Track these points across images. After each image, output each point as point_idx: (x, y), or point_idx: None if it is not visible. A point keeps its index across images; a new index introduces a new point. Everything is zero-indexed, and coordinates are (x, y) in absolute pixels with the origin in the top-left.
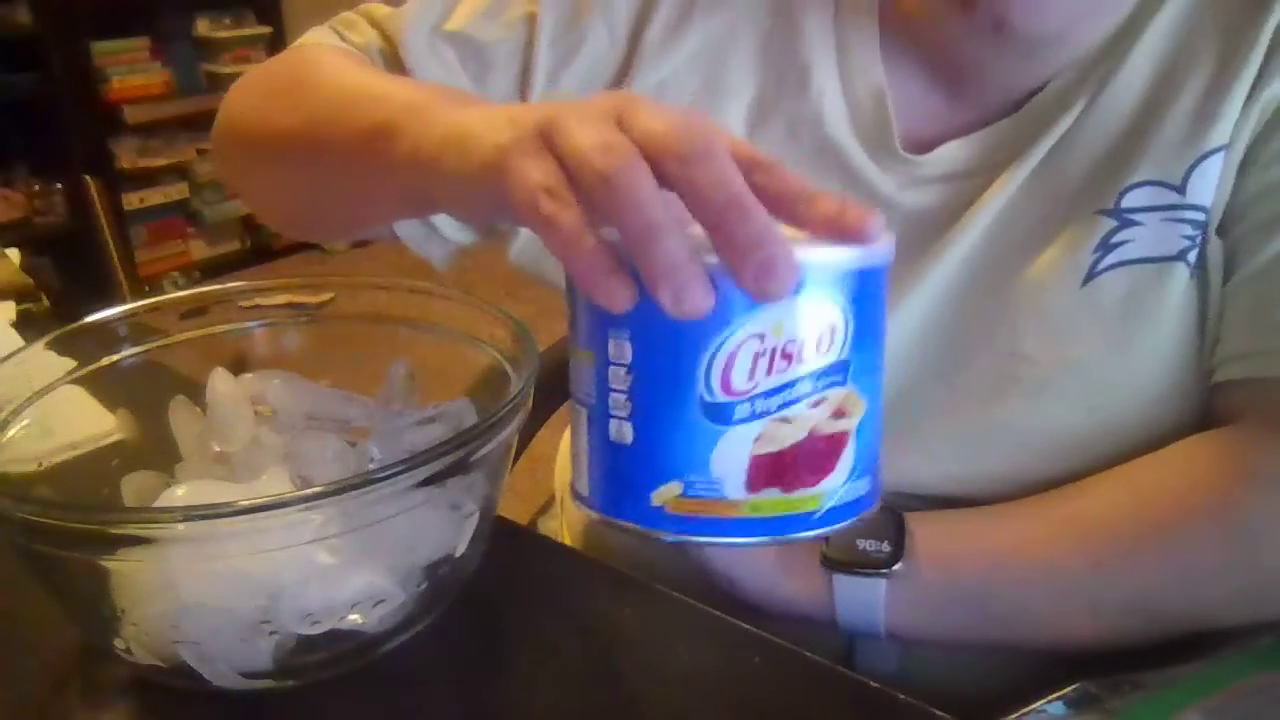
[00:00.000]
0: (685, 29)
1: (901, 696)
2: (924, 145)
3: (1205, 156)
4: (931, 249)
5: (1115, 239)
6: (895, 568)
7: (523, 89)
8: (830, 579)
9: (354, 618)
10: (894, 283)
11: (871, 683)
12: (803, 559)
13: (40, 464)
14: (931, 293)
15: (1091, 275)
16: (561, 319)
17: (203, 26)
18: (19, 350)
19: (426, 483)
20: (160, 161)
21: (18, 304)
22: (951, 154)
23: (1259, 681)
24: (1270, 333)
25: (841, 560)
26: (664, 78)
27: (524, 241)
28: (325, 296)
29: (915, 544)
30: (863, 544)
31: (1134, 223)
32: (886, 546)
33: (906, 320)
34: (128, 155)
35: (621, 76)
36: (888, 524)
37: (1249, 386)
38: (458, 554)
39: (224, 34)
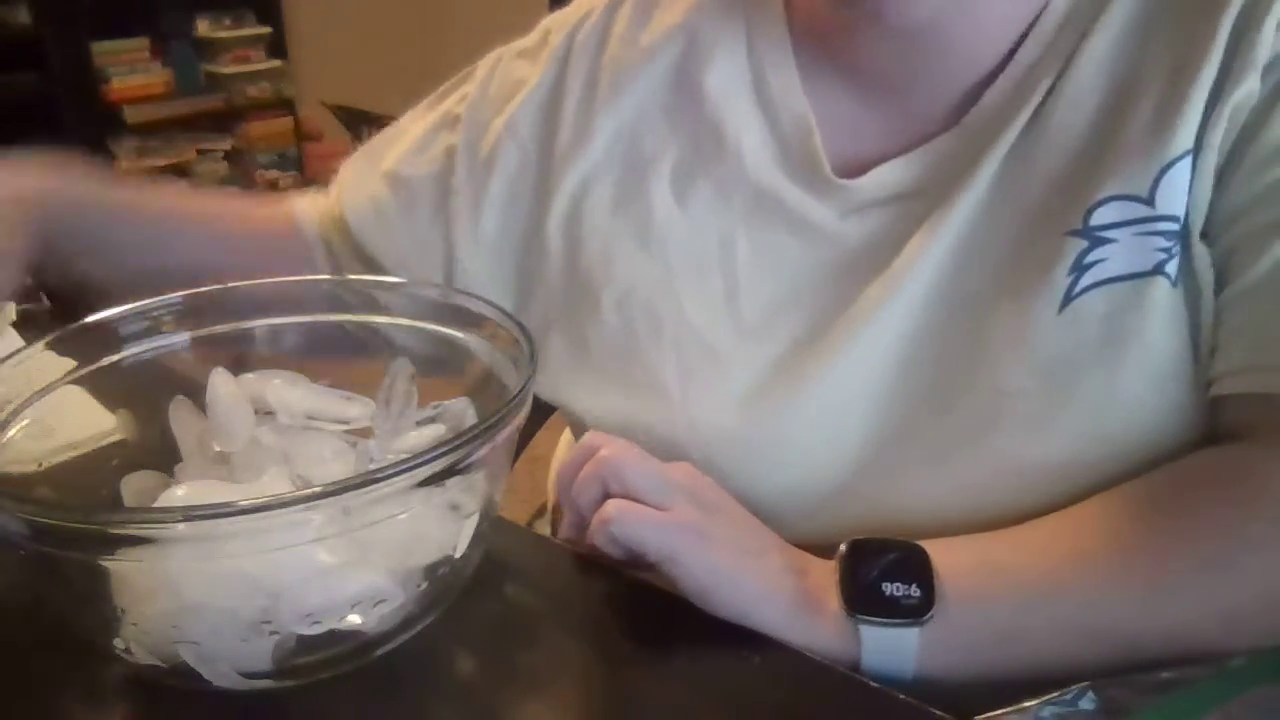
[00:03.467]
0: (592, 126)
1: (901, 696)
2: (862, 169)
3: (1171, 164)
4: (885, 280)
5: (1089, 259)
6: (928, 616)
7: (446, 215)
8: (857, 630)
9: (354, 618)
10: (852, 315)
11: (871, 683)
12: (823, 604)
13: (40, 464)
14: (899, 326)
15: (1069, 299)
16: None
17: (203, 26)
18: (19, 350)
19: (426, 483)
20: (160, 161)
21: (18, 304)
22: (890, 175)
23: (1270, 693)
24: (1274, 347)
25: (868, 609)
26: (585, 175)
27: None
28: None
29: (943, 583)
30: (889, 588)
31: (1106, 240)
32: (916, 591)
33: (877, 361)
34: (128, 155)
35: (543, 186)
36: (913, 564)
37: (1257, 402)
38: (457, 555)
39: (224, 34)
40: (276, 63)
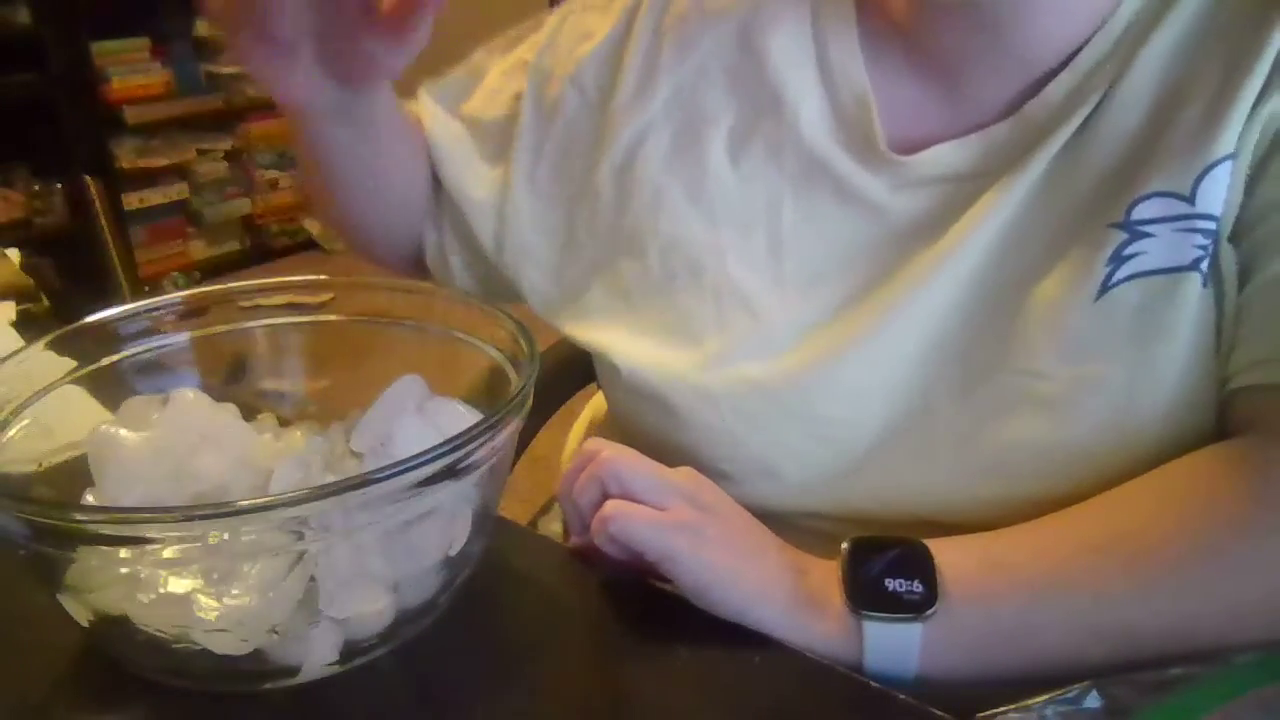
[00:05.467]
0: (654, 82)
1: (901, 696)
2: (916, 149)
3: (1213, 165)
4: (930, 256)
5: (1127, 251)
6: (931, 611)
7: (507, 158)
8: (860, 626)
9: (351, 619)
10: (893, 289)
11: (872, 683)
12: (825, 602)
13: (40, 464)
14: (937, 306)
15: (1105, 289)
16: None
17: (203, 26)
18: (19, 350)
19: (426, 483)
20: (160, 161)
21: (18, 304)
22: (944, 155)
23: (1274, 692)
24: None
25: (871, 605)
26: (642, 128)
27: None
28: (325, 296)
29: (947, 581)
30: (891, 584)
31: (1145, 234)
32: (918, 586)
33: (913, 335)
34: (128, 155)
35: (599, 136)
36: (915, 560)
37: (1267, 393)
38: (455, 555)
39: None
40: None
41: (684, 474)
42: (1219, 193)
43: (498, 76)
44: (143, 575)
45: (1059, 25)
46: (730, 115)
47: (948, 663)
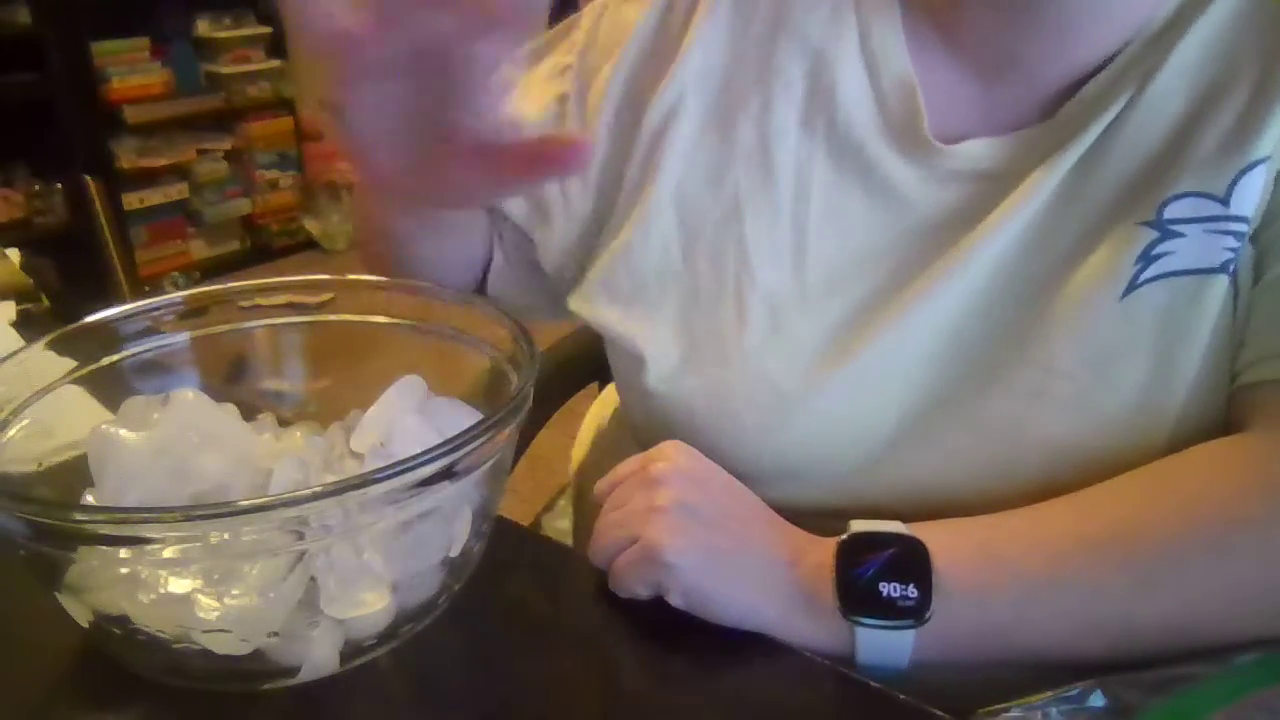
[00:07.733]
0: (684, 58)
1: (901, 696)
2: (951, 142)
3: (1250, 168)
4: (953, 253)
5: (1156, 251)
6: (928, 616)
7: None
8: (851, 629)
9: (351, 619)
10: (914, 287)
11: (872, 683)
12: (818, 602)
13: (40, 464)
14: (957, 301)
15: (1132, 287)
16: (559, 319)
17: (203, 26)
18: (19, 350)
19: (426, 483)
20: (160, 161)
21: (18, 304)
22: (980, 150)
23: (1274, 693)
24: None
25: (863, 610)
26: (670, 108)
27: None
28: (325, 296)
29: (941, 574)
30: (886, 589)
31: (1176, 234)
32: (913, 591)
33: (932, 333)
34: (128, 155)
35: (635, 122)
36: (912, 561)
37: (1267, 389)
38: (455, 555)
39: (224, 34)
40: (276, 63)
41: (669, 454)
42: (1253, 196)
43: (538, 83)
44: (143, 575)
45: (1118, 20)
46: (761, 98)
47: (941, 653)
